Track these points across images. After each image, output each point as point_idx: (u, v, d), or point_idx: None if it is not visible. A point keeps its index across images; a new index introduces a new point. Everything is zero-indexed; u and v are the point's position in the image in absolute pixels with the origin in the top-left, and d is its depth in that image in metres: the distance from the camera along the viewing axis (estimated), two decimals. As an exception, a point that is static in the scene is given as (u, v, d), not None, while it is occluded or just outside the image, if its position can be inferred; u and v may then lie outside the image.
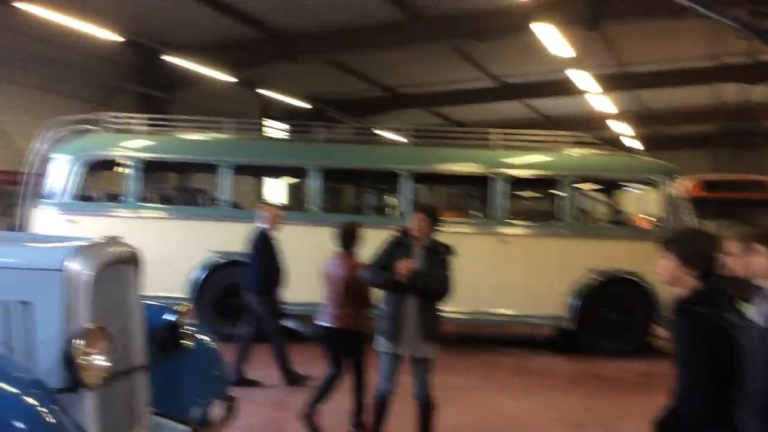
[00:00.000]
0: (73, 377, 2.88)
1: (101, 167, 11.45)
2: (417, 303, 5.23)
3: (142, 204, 10.76)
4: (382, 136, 15.23)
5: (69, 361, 2.87)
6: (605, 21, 13.54)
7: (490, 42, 15.45)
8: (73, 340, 2.89)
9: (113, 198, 10.93)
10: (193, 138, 11.13)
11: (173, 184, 12.54)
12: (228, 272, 10.16)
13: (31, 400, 2.66)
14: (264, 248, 7.68)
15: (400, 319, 5.21)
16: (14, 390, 2.68)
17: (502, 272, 10.24)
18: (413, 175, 10.44)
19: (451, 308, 10.08)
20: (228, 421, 4.12)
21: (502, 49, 16.89)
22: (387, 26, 14.93)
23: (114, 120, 11.19)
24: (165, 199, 11.26)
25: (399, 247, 5.37)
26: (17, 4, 11.57)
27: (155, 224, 10.58)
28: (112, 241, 3.53)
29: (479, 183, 10.94)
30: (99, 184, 11.70)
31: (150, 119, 11.16)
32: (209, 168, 10.89)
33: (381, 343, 5.33)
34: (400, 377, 5.36)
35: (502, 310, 10.28)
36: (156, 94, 15.88)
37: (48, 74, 13.40)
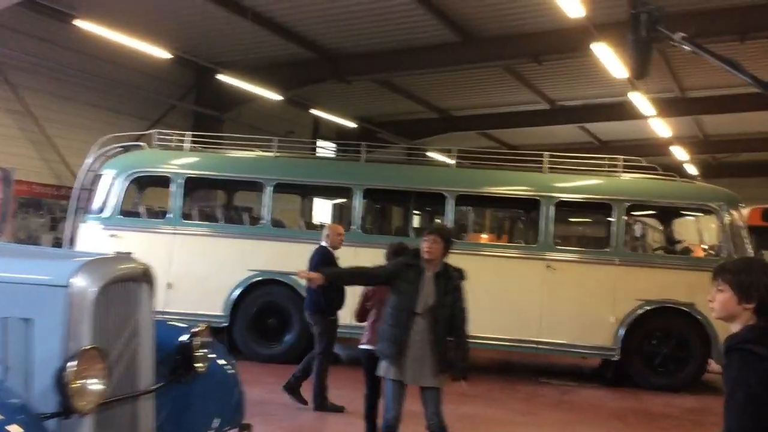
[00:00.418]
0: (65, 402, 2.71)
1: (147, 183, 11.55)
2: (427, 328, 4.98)
3: (185, 221, 10.77)
4: (431, 158, 15.00)
5: (61, 385, 2.70)
6: (665, 43, 13.08)
7: (547, 63, 15.12)
8: (67, 363, 2.73)
9: (157, 214, 10.97)
10: (237, 156, 11.12)
11: (217, 202, 12.55)
12: (266, 291, 10.09)
13: (13, 429, 2.50)
14: (318, 264, 7.39)
15: (402, 342, 4.96)
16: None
17: (548, 299, 9.87)
18: (458, 197, 10.19)
19: (493, 335, 10.03)
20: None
21: (559, 70, 16.53)
22: (441, 47, 14.74)
23: (162, 137, 11.29)
24: (207, 217, 11.24)
25: (407, 268, 5.12)
26: (77, 22, 11.81)
27: (196, 241, 10.55)
28: (122, 257, 3.38)
29: (528, 207, 10.61)
30: (146, 200, 11.81)
31: (197, 136, 11.22)
32: (252, 186, 10.87)
33: (382, 368, 5.10)
34: (404, 406, 5.11)
35: (548, 339, 9.88)
36: (209, 112, 16.03)
37: (103, 91, 13.64)
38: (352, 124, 19.61)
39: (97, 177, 10.90)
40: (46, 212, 12.13)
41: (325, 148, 17.17)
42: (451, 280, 5.11)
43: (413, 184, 10.81)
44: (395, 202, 13.03)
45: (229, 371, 4.11)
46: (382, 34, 14.33)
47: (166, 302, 10.32)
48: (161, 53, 12.42)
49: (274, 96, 15.15)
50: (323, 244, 7.63)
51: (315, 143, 17.14)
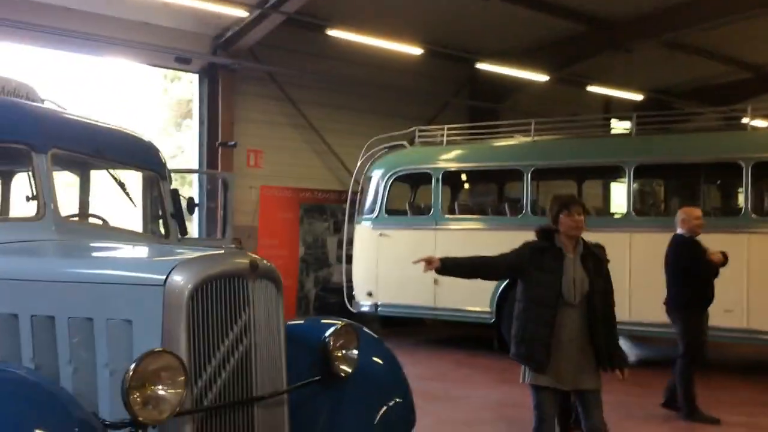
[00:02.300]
0: (128, 411, 2.51)
1: (413, 181, 11.61)
2: (582, 320, 4.15)
3: (447, 216, 10.58)
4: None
5: (123, 394, 2.50)
6: None
7: None
8: (127, 370, 2.52)
9: (422, 211, 10.95)
10: (492, 144, 10.65)
11: (482, 194, 12.16)
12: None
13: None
14: (680, 257, 6.67)
15: (552, 341, 4.15)
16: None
17: None
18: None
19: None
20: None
21: None
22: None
23: (423, 134, 11.25)
24: (469, 210, 10.93)
25: (540, 254, 4.24)
26: (330, 32, 12.38)
27: (459, 236, 10.28)
28: (231, 252, 3.14)
29: None
30: (415, 198, 11.89)
31: (453, 129, 10.98)
32: (513, 174, 10.30)
33: (529, 375, 4.29)
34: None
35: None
36: (483, 104, 15.74)
37: (374, 96, 14.08)
38: (637, 97, 17.81)
39: (367, 179, 11.25)
40: (330, 216, 12.85)
41: (615, 127, 15.78)
42: (599, 260, 4.22)
43: (700, 155, 9.30)
44: (674, 178, 11.38)
45: (388, 374, 3.68)
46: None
47: (434, 299, 10.24)
48: (417, 50, 12.42)
49: (541, 78, 14.33)
50: (679, 231, 6.71)
51: (607, 122, 15.76)
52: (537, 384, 4.25)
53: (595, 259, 4.28)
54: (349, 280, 11.19)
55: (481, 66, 14.31)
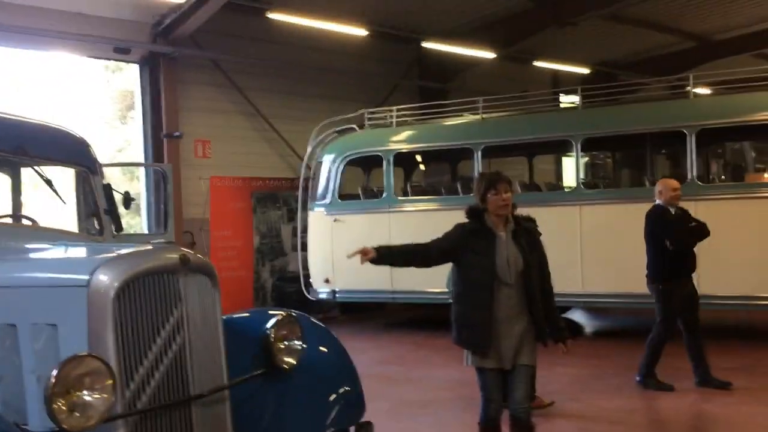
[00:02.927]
0: (51, 419, 2.39)
1: (365, 165, 11.51)
2: (520, 297, 4.14)
3: (399, 198, 10.53)
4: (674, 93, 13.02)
5: (46, 401, 2.38)
6: None
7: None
8: (49, 377, 2.40)
9: (375, 195, 10.87)
10: (441, 124, 10.61)
11: (434, 174, 12.13)
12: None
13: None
14: (655, 228, 6.65)
15: (491, 323, 4.11)
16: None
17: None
18: (700, 132, 8.61)
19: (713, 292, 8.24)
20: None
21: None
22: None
23: (372, 116, 11.15)
24: (422, 191, 10.89)
25: (472, 236, 4.16)
26: (271, 15, 12.16)
27: (413, 217, 10.24)
28: (160, 247, 3.02)
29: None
30: (368, 181, 11.80)
31: (402, 110, 10.90)
32: (464, 153, 10.28)
33: (473, 358, 4.23)
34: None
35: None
36: (431, 85, 15.66)
37: (320, 81, 13.89)
38: (584, 71, 17.95)
39: (318, 165, 11.12)
40: (283, 204, 12.68)
41: (563, 102, 15.86)
42: (531, 234, 4.20)
43: (645, 125, 9.38)
44: (623, 149, 11.50)
45: (335, 364, 3.60)
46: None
47: (391, 282, 10.17)
48: (360, 32, 12.27)
49: (489, 55, 14.31)
50: (658, 202, 6.71)
51: (555, 97, 15.82)
52: (481, 366, 4.21)
53: (527, 234, 4.23)
54: (306, 268, 11.08)
55: (428, 45, 14.21)
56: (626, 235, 8.00)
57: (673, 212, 6.65)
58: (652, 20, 16.88)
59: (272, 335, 3.31)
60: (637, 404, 6.45)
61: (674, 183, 6.80)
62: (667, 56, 19.66)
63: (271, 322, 3.34)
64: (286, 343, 3.34)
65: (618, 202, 9.15)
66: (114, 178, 10.23)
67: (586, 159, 11.42)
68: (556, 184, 12.39)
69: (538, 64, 17.11)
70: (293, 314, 3.47)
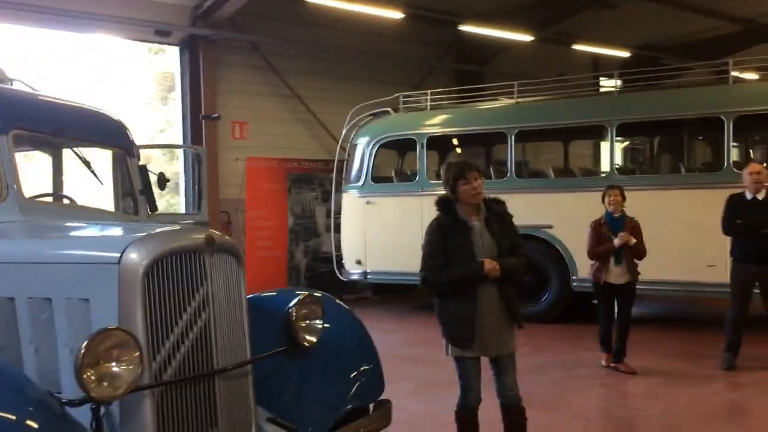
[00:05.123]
0: (81, 388, 2.54)
1: (396, 148, 11.58)
2: (497, 286, 4.13)
3: (433, 182, 10.57)
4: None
5: (75, 372, 2.53)
6: None
7: None
8: (79, 348, 2.55)
9: (408, 178, 10.94)
10: (475, 108, 10.60)
11: (466, 158, 12.12)
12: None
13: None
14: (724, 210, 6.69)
15: (474, 316, 4.12)
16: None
17: None
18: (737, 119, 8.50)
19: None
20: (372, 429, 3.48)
21: None
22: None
23: (407, 99, 11.20)
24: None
25: (450, 231, 4.12)
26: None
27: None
28: (188, 228, 3.15)
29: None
30: (402, 164, 11.87)
31: (436, 94, 10.92)
32: (501, 137, 10.26)
33: (457, 350, 4.25)
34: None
35: None
36: (468, 67, 15.63)
37: (355, 63, 13.98)
38: (624, 54, 17.67)
39: (352, 147, 11.23)
40: (317, 186, 12.82)
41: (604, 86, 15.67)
42: (502, 218, 4.18)
43: (681, 111, 9.28)
44: (660, 135, 11.36)
45: (355, 343, 3.71)
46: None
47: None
48: (394, 14, 12.28)
49: (526, 38, 14.21)
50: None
51: (596, 81, 15.64)
52: (462, 356, 4.23)
53: (499, 219, 4.20)
54: (339, 249, 11.22)
55: (465, 28, 14.17)
56: (660, 221, 7.95)
57: (750, 198, 6.50)
58: (696, 3, 16.55)
59: (294, 314, 3.43)
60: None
61: (754, 166, 6.65)
62: (711, 40, 19.28)
63: (294, 301, 3.46)
64: (307, 321, 3.46)
65: (653, 188, 9.08)
66: (155, 158, 10.51)
67: (623, 144, 11.29)
68: (592, 169, 12.30)
69: (577, 47, 16.91)
70: (315, 294, 3.58)
